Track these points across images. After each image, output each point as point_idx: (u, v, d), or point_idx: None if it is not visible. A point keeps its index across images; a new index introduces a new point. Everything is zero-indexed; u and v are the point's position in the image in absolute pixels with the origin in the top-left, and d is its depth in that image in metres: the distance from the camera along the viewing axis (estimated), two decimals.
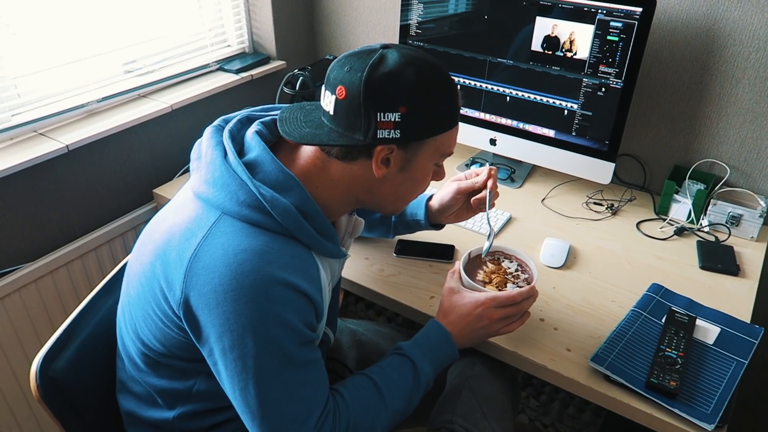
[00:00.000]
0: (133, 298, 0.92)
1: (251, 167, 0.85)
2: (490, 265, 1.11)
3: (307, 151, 0.90)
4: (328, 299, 0.95)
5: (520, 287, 1.06)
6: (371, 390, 0.94)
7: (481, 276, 1.10)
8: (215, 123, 0.93)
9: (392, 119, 0.82)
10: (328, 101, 0.86)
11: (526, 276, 1.10)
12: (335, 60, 0.87)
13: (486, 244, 1.12)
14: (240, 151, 0.88)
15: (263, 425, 0.83)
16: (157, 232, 0.89)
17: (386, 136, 0.83)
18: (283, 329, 0.81)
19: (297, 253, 0.84)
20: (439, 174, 0.97)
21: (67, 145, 1.40)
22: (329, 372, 1.19)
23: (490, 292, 1.03)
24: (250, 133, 0.90)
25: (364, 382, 0.95)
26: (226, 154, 0.86)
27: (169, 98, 1.65)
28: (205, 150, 0.88)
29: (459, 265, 1.09)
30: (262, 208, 0.81)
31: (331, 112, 0.85)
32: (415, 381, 0.96)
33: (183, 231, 0.84)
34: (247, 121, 0.94)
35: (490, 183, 1.13)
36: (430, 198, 1.23)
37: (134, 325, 0.93)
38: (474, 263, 1.13)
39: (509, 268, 1.11)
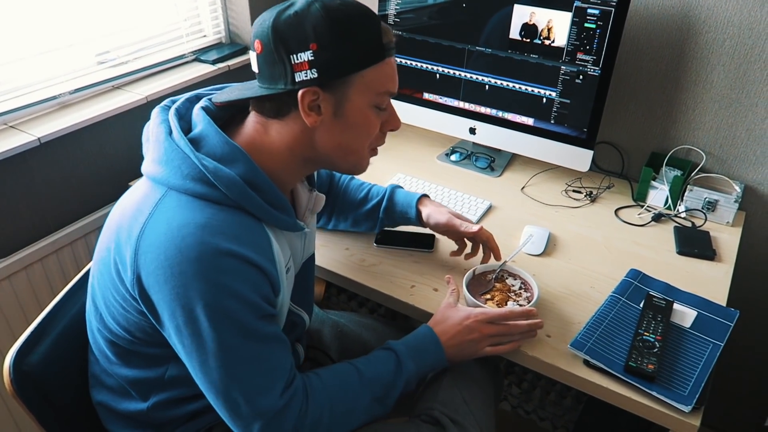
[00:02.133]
0: (95, 286, 0.92)
1: (196, 142, 0.85)
2: (496, 284, 1.15)
3: (250, 122, 0.90)
4: (286, 274, 0.94)
5: (521, 305, 1.09)
6: (353, 374, 0.94)
7: (484, 292, 1.13)
8: (162, 103, 0.93)
9: (305, 59, 0.81)
10: (252, 61, 0.87)
11: (528, 294, 1.12)
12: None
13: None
14: (189, 128, 0.88)
15: (227, 400, 0.82)
16: (112, 218, 0.89)
17: (304, 78, 0.82)
18: (236, 301, 0.79)
19: (245, 223, 0.83)
20: (390, 122, 0.95)
21: (39, 138, 1.37)
22: (310, 361, 1.18)
23: (487, 307, 1.05)
24: (197, 109, 0.90)
25: (346, 367, 0.95)
26: (171, 132, 0.86)
27: (144, 90, 1.62)
28: (151, 130, 0.88)
29: (463, 281, 1.12)
30: (207, 180, 0.81)
31: (257, 70, 0.86)
32: (397, 373, 0.97)
33: (132, 211, 0.84)
34: (196, 99, 0.94)
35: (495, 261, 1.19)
36: (421, 199, 1.25)
37: (99, 314, 0.92)
38: (478, 280, 1.16)
39: (513, 285, 1.14)
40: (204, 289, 0.78)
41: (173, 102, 0.92)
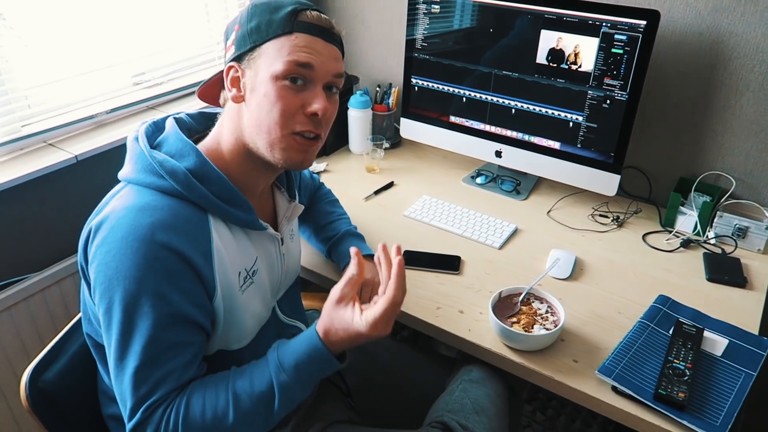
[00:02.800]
0: (82, 293, 0.94)
1: (159, 144, 0.92)
2: (522, 307, 1.14)
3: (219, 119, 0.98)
4: (252, 277, 0.95)
5: (548, 329, 1.08)
6: (223, 393, 0.85)
7: (510, 315, 1.12)
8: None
9: (231, 41, 0.92)
10: None
11: (555, 318, 1.12)
12: None
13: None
14: None
15: (115, 386, 0.83)
16: None
17: (230, 57, 0.92)
18: (146, 289, 0.80)
19: (184, 214, 0.85)
20: (309, 102, 0.89)
21: (76, 156, 1.41)
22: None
23: (372, 313, 0.87)
24: (168, 119, 0.96)
25: (222, 381, 0.87)
26: (138, 138, 0.92)
27: (177, 110, 1.65)
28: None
29: (489, 303, 1.12)
30: (155, 171, 0.86)
31: None
32: (269, 403, 0.86)
33: (96, 208, 0.89)
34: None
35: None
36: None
37: (88, 318, 0.94)
38: (504, 303, 1.15)
39: (539, 309, 1.14)
40: (120, 269, 0.79)
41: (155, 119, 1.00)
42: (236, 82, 0.91)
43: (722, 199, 1.48)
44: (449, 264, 1.32)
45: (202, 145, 0.93)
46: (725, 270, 1.32)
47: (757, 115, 1.41)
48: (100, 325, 0.85)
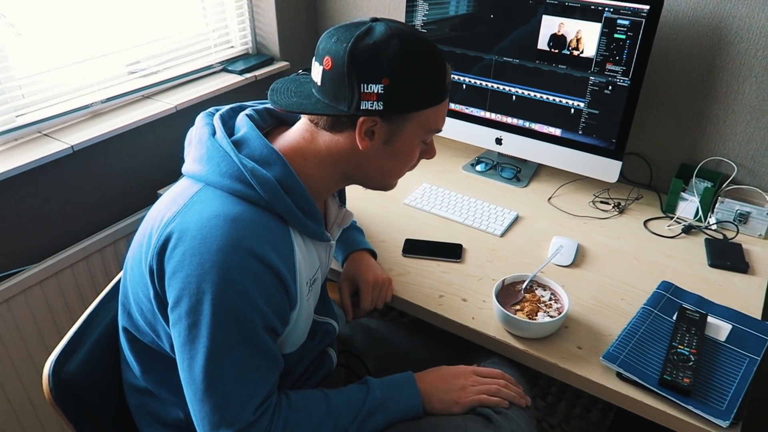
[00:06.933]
0: (127, 286, 0.92)
1: (238, 144, 0.87)
2: (526, 295, 1.14)
3: (298, 127, 0.92)
4: (312, 285, 0.95)
5: (552, 316, 1.08)
6: (320, 400, 0.92)
7: (514, 303, 1.12)
8: (207, 110, 0.95)
9: (375, 91, 0.83)
10: (316, 72, 0.88)
11: (558, 306, 1.11)
12: (326, 32, 0.88)
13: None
14: (231, 134, 0.90)
15: (205, 400, 0.81)
16: (147, 217, 0.90)
17: (369, 108, 0.84)
18: (245, 302, 0.79)
19: (273, 227, 0.84)
20: (428, 152, 0.97)
21: (72, 146, 1.39)
22: (344, 367, 1.19)
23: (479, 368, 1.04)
24: (241, 116, 0.92)
25: (315, 393, 0.94)
26: (215, 133, 0.88)
27: (174, 99, 1.64)
28: (195, 132, 0.91)
29: (492, 291, 1.12)
30: (244, 179, 0.82)
31: (319, 83, 0.87)
32: (364, 399, 0.95)
33: (167, 204, 0.86)
34: (239, 109, 0.97)
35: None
36: (360, 253, 1.23)
37: (130, 312, 0.92)
38: (507, 291, 1.15)
39: (543, 296, 1.13)
40: (216, 282, 0.78)
41: (217, 110, 0.95)
42: (369, 131, 0.87)
43: (723, 185, 1.47)
44: (451, 252, 1.32)
45: (282, 150, 0.88)
46: (727, 256, 1.32)
47: (759, 101, 1.41)
48: (164, 332, 0.85)
